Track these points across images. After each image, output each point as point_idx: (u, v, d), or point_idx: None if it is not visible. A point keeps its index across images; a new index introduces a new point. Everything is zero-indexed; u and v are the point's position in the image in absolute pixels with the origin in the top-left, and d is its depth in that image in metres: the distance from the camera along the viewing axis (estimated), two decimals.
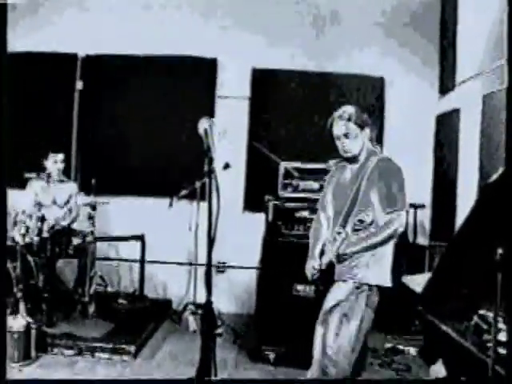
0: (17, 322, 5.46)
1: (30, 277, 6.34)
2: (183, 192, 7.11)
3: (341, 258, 3.96)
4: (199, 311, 6.86)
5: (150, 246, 7.57)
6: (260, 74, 7.87)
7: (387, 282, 4.08)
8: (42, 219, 6.42)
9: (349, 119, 4.13)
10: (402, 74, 7.63)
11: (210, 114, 7.57)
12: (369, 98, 7.70)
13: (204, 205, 6.34)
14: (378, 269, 4.02)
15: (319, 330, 4.06)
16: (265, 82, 7.85)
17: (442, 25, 7.62)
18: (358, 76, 7.68)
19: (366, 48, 7.61)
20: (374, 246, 3.94)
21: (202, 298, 7.07)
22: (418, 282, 5.77)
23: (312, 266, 4.14)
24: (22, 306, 5.76)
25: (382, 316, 7.09)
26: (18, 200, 6.84)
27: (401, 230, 3.91)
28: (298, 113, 7.59)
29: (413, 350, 6.24)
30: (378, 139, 7.57)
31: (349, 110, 4.18)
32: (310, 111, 7.57)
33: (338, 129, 4.14)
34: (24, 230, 6.36)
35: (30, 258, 6.39)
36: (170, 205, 7.01)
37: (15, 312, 5.80)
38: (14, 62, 7.95)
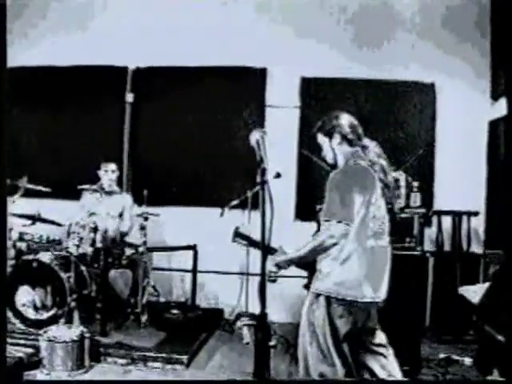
0: (71, 332, 5.51)
1: (83, 287, 6.42)
2: (234, 201, 7.11)
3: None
4: (252, 322, 6.84)
5: (202, 255, 7.58)
6: (309, 83, 7.85)
7: (356, 294, 3.85)
8: (95, 230, 6.48)
9: (318, 130, 4.19)
10: (453, 79, 7.53)
11: (260, 123, 7.57)
12: (420, 104, 7.61)
13: (255, 214, 6.38)
14: (339, 279, 3.86)
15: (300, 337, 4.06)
16: (314, 91, 7.82)
17: (492, 28, 7.51)
18: (408, 82, 7.60)
19: (416, 54, 7.52)
20: (306, 256, 3.88)
21: (253, 307, 7.11)
22: (474, 292, 5.68)
23: None
24: (75, 316, 5.81)
25: (436, 325, 7.04)
26: (72, 211, 6.93)
27: (331, 241, 3.73)
28: None
29: (468, 360, 6.11)
30: (430, 145, 7.51)
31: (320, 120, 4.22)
32: (361, 119, 7.50)
33: None
34: (77, 241, 6.44)
35: (83, 269, 6.46)
36: (222, 214, 7.02)
37: (69, 322, 5.86)
38: (66, 76, 8.14)
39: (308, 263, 4.03)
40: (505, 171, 6.79)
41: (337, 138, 4.08)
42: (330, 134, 4.10)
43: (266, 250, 4.07)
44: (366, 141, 4.14)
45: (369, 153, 4.05)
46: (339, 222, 3.72)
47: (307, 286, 4.20)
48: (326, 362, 3.89)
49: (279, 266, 4.02)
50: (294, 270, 7.51)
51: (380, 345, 4.18)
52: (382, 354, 4.16)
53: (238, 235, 4.31)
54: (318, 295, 3.93)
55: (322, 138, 4.15)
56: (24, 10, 8.25)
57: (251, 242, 4.32)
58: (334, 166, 4.12)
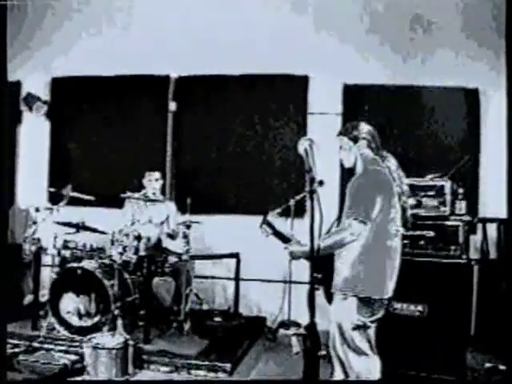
0: (114, 339, 5.55)
1: (127, 294, 6.46)
2: (277, 210, 7.09)
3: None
4: (302, 331, 6.81)
5: (245, 263, 7.57)
6: (351, 90, 7.79)
7: (377, 291, 4.07)
8: (139, 238, 6.52)
9: (343, 134, 4.37)
10: (496, 84, 7.40)
11: (303, 131, 7.54)
12: (463, 109, 7.50)
13: (298, 222, 6.37)
14: (349, 275, 4.10)
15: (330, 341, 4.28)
16: (356, 98, 7.75)
17: None
18: (451, 88, 7.49)
19: (458, 58, 7.42)
20: (324, 250, 3.96)
21: (295, 315, 7.07)
22: None
23: None
24: (119, 323, 5.84)
25: (482, 334, 6.92)
26: (116, 219, 6.98)
27: (351, 238, 3.97)
28: (392, 127, 7.44)
29: None
30: (475, 152, 7.39)
31: (345, 125, 4.52)
32: (404, 125, 7.46)
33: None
34: (121, 249, 6.49)
35: (126, 276, 6.51)
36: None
37: (113, 329, 5.89)
38: (108, 85, 8.23)
39: (322, 260, 4.07)
40: None
41: (363, 144, 4.27)
42: (355, 139, 4.28)
43: (284, 239, 4.35)
44: (384, 152, 4.33)
45: (387, 162, 4.25)
46: (361, 221, 3.95)
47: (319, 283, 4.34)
48: (361, 360, 4.08)
49: (293, 256, 4.26)
50: None
51: None
52: None
53: (265, 222, 4.42)
54: (343, 296, 4.11)
55: (347, 142, 4.32)
56: (60, 17, 8.38)
57: (277, 233, 4.40)
58: (350, 170, 4.37)
